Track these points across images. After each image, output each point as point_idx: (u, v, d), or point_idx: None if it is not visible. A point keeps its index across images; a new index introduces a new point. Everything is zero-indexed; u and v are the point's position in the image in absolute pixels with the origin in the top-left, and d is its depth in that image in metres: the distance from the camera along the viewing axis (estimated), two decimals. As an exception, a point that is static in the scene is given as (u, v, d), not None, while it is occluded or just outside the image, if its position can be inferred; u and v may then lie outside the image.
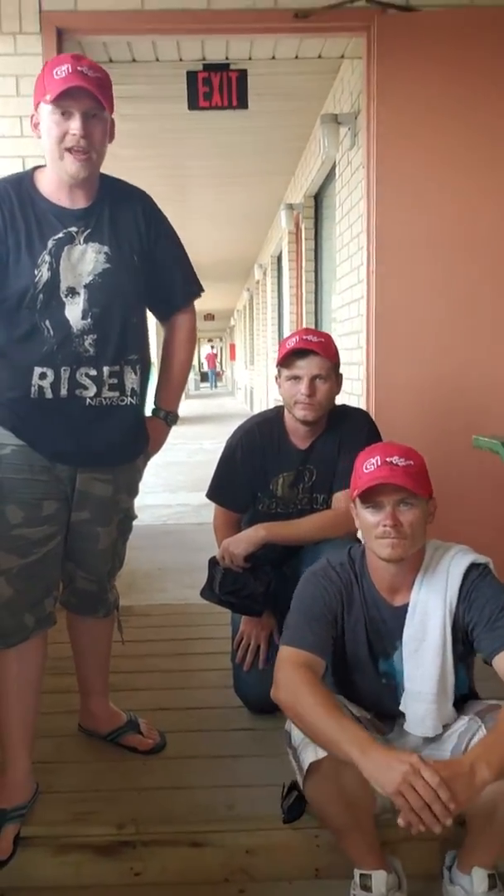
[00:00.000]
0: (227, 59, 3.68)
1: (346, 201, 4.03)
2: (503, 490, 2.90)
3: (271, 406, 2.53)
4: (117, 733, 2.18)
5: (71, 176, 1.75)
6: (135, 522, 2.09)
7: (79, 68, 1.68)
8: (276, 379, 2.34)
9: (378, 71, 3.00)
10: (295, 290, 6.87)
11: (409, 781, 1.33)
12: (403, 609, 1.71)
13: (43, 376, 1.78)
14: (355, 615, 1.73)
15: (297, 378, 2.22)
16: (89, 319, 1.78)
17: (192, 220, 8.15)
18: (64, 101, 1.69)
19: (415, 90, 2.98)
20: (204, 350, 33.22)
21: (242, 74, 3.90)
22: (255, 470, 2.34)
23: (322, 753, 1.53)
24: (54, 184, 1.79)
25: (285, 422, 2.34)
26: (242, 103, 3.96)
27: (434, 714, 1.68)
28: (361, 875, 1.65)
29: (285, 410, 2.34)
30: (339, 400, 2.36)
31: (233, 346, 25.63)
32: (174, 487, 7.05)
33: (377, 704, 1.69)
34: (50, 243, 1.76)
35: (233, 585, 2.25)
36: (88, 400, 1.81)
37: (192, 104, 3.96)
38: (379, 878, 1.63)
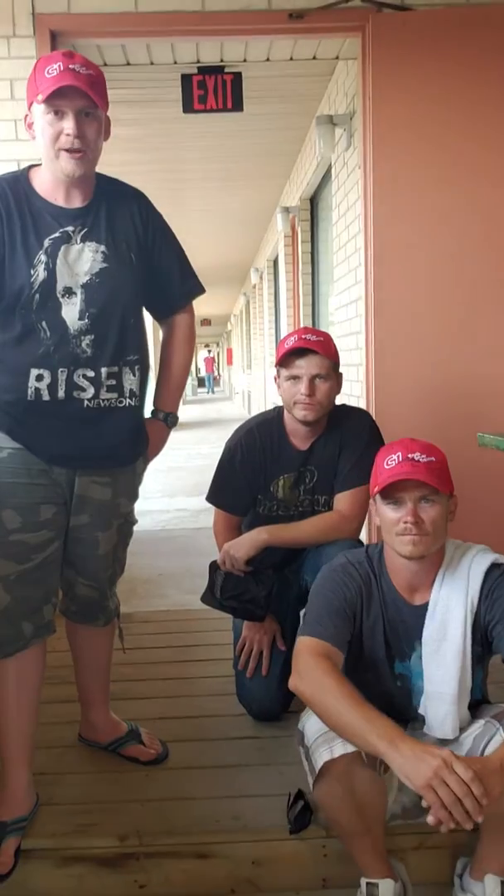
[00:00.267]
0: (221, 61, 3.67)
1: (343, 203, 4.01)
2: (508, 488, 2.88)
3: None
4: (118, 744, 2.14)
5: (66, 175, 1.72)
6: (134, 528, 2.06)
7: (70, 66, 1.65)
8: (276, 379, 2.31)
9: (374, 70, 2.98)
10: (292, 293, 6.86)
11: (441, 776, 1.30)
12: (423, 608, 1.69)
13: (40, 378, 1.74)
14: (374, 614, 1.70)
15: (296, 378, 2.19)
16: (87, 320, 1.75)
17: (187, 224, 8.13)
18: (56, 100, 1.66)
19: (411, 89, 2.96)
20: (201, 355, 33.21)
21: (237, 77, 3.90)
22: (255, 472, 2.30)
23: (337, 753, 1.49)
24: (50, 183, 1.76)
25: (285, 423, 2.31)
26: (237, 106, 3.95)
27: (454, 715, 1.65)
28: (368, 884, 1.61)
29: (285, 411, 2.31)
30: (339, 401, 2.33)
31: (230, 351, 25.61)
32: (172, 492, 7.02)
33: (389, 707, 1.65)
34: (46, 242, 1.73)
35: (234, 590, 2.22)
36: (86, 402, 1.78)
37: (187, 107, 3.95)
38: (386, 887, 1.60)
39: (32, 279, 1.70)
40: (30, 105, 1.72)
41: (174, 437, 2.08)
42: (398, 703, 1.71)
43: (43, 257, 1.72)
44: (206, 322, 23.30)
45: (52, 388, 1.75)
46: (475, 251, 3.01)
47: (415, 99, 2.96)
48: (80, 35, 3.07)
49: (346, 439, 2.27)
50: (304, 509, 2.32)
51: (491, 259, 3.02)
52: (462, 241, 3.01)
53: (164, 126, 4.92)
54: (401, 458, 1.63)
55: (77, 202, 1.78)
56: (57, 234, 1.74)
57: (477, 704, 1.72)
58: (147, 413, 1.99)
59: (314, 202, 5.87)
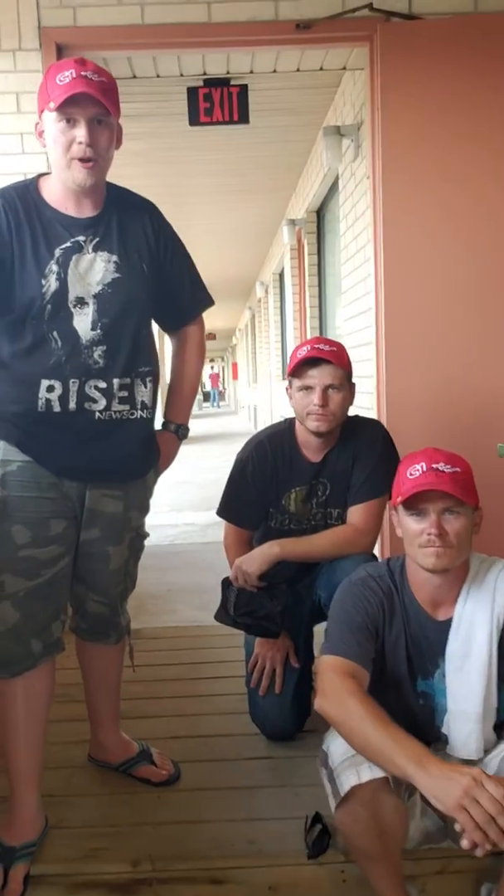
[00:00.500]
0: (228, 73, 3.66)
1: (351, 213, 3.99)
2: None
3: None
4: (129, 764, 2.09)
5: (78, 184, 1.69)
6: (145, 542, 2.02)
7: (83, 73, 1.62)
8: (287, 390, 2.27)
9: (382, 80, 2.96)
10: (298, 305, 6.84)
11: (473, 794, 1.24)
12: (447, 624, 1.63)
13: (50, 389, 1.71)
14: (396, 629, 1.65)
15: (309, 388, 2.15)
16: (99, 330, 1.72)
17: (192, 238, 8.08)
18: (68, 108, 1.63)
19: (419, 98, 2.94)
20: (205, 370, 33.18)
21: (243, 89, 3.89)
22: (267, 485, 2.26)
23: (364, 778, 1.44)
24: (60, 192, 1.73)
25: (297, 434, 2.27)
26: (243, 118, 3.94)
27: (478, 735, 1.60)
28: None
29: (296, 423, 2.27)
30: (349, 413, 2.29)
31: (235, 366, 25.64)
32: (180, 507, 6.97)
33: (412, 726, 1.60)
34: (57, 252, 1.70)
35: (248, 606, 2.17)
36: (98, 413, 1.74)
37: (193, 120, 3.94)
38: None
39: (44, 290, 1.67)
40: (41, 112, 1.69)
41: (180, 450, 2.04)
42: (421, 722, 1.66)
43: (54, 267, 1.69)
44: (210, 336, 23.33)
45: (64, 399, 1.71)
46: (488, 259, 2.97)
47: (424, 107, 2.94)
48: (87, 48, 3.06)
49: (360, 451, 2.23)
50: (317, 523, 2.28)
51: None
52: (475, 250, 2.97)
53: (168, 140, 4.92)
54: (424, 468, 1.58)
55: (88, 211, 1.75)
56: (68, 244, 1.71)
57: (502, 725, 1.67)
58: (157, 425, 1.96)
59: (320, 214, 5.86)
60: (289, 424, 2.32)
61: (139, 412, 1.80)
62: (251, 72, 3.62)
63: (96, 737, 2.14)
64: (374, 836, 1.48)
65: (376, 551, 2.46)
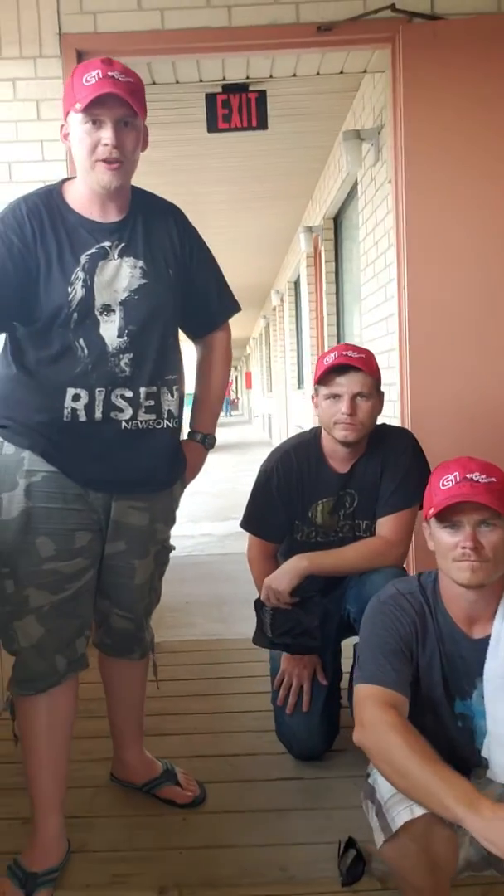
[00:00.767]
0: (247, 77, 3.62)
1: (371, 219, 3.93)
2: None
3: (291, 432, 2.39)
4: (153, 784, 2.03)
5: (103, 187, 1.64)
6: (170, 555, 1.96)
7: (109, 73, 1.58)
8: (313, 399, 2.21)
9: (405, 81, 2.91)
10: (315, 313, 6.79)
11: None
12: (484, 642, 1.55)
13: (76, 398, 1.66)
14: (430, 649, 1.57)
15: (336, 396, 2.09)
16: (125, 337, 1.67)
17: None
18: (95, 109, 1.58)
19: (443, 99, 2.88)
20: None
21: (262, 95, 3.86)
22: (292, 496, 2.20)
23: (418, 812, 1.36)
24: (85, 196, 1.69)
25: (323, 444, 2.21)
26: (262, 124, 3.91)
27: None
28: None
29: (323, 432, 2.20)
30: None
31: (248, 375, 25.62)
32: (196, 518, 6.92)
33: (452, 751, 1.52)
34: (83, 259, 1.65)
35: (285, 625, 2.09)
36: (124, 423, 1.69)
37: (212, 126, 3.91)
38: None
39: (70, 297, 1.63)
40: (66, 114, 1.65)
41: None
42: (460, 746, 1.58)
43: (80, 274, 1.64)
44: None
45: (90, 408, 1.66)
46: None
47: (448, 109, 2.88)
48: (107, 54, 2.99)
49: (388, 460, 2.17)
50: (345, 535, 2.21)
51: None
52: (501, 253, 2.91)
53: (185, 148, 4.89)
54: (458, 479, 1.51)
55: (113, 216, 1.70)
56: (94, 250, 1.66)
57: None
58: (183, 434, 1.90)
59: (338, 221, 5.82)
60: (314, 434, 2.25)
61: (165, 421, 1.75)
62: (271, 76, 3.57)
63: (119, 755, 2.08)
64: (426, 870, 1.40)
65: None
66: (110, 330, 1.66)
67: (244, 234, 7.96)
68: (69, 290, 1.63)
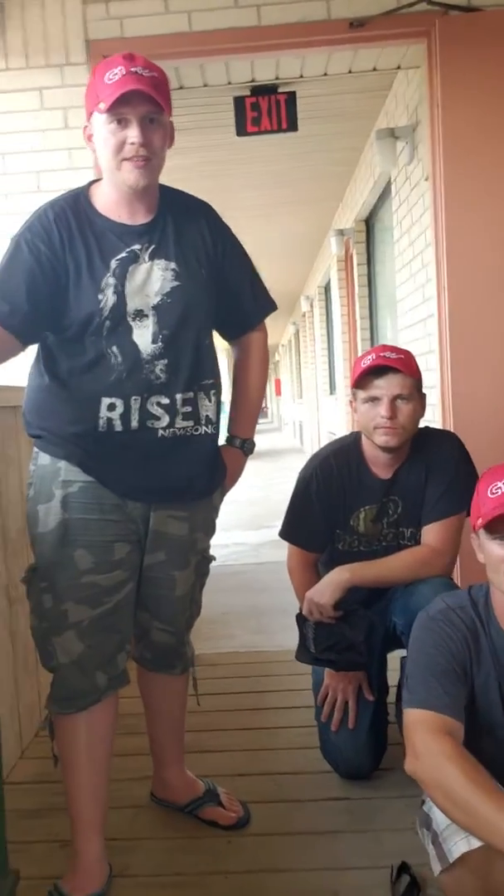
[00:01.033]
0: (277, 78, 3.57)
1: (406, 218, 3.85)
2: None
3: (323, 439, 2.31)
4: (195, 805, 1.95)
5: (130, 186, 1.58)
6: (210, 565, 1.90)
7: (132, 69, 1.51)
8: (351, 403, 2.13)
9: (442, 76, 2.84)
10: (347, 318, 6.71)
11: None
12: None
13: (112, 407, 1.60)
14: (485, 668, 1.47)
15: (375, 399, 2.00)
16: (160, 343, 1.61)
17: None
18: (120, 107, 1.51)
19: (482, 93, 2.81)
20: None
21: (291, 97, 3.81)
22: (333, 504, 2.12)
23: (476, 844, 1.27)
24: (112, 199, 1.63)
25: (364, 449, 2.12)
26: (292, 126, 3.86)
27: None
28: None
29: (363, 437, 2.12)
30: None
31: (278, 382, 25.53)
32: (228, 526, 6.84)
33: None
34: (113, 264, 1.59)
35: (329, 640, 2.01)
36: (161, 431, 1.63)
37: (241, 130, 3.87)
38: None
39: (101, 305, 1.57)
40: (89, 115, 1.58)
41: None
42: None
43: (111, 280, 1.58)
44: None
45: (125, 417, 1.60)
46: None
47: (487, 103, 2.81)
48: (134, 59, 2.99)
49: (433, 465, 2.08)
50: (389, 544, 2.13)
51: None
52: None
53: (213, 154, 4.86)
54: None
55: (141, 217, 1.64)
56: (124, 255, 1.60)
57: None
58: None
59: (369, 223, 5.74)
60: (354, 439, 2.17)
61: (203, 427, 1.69)
62: (301, 76, 3.51)
63: (159, 774, 2.02)
64: None
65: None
66: (144, 336, 1.60)
67: (273, 240, 7.90)
68: (100, 297, 1.57)
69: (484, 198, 2.83)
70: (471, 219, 2.84)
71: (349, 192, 6.01)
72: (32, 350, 1.68)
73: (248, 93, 3.78)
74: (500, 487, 1.42)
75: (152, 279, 1.61)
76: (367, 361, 2.03)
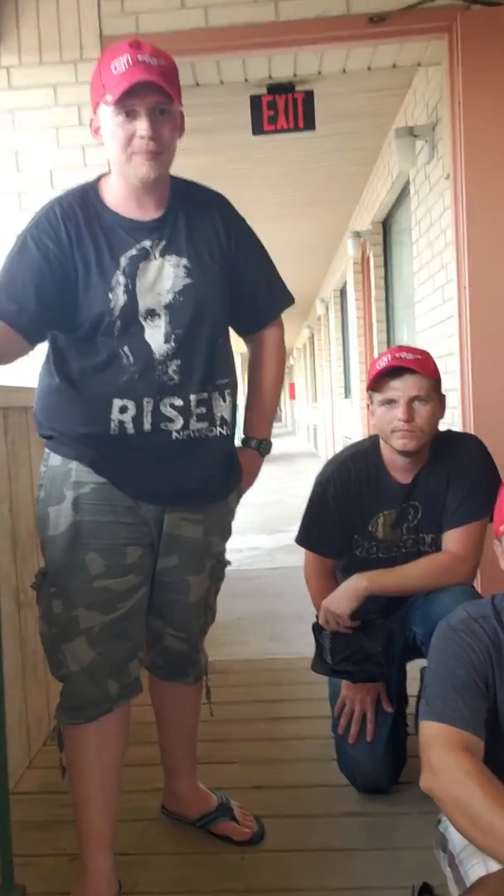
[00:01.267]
0: (295, 75, 3.51)
1: (425, 218, 3.79)
2: None
3: (338, 443, 2.25)
4: (208, 819, 1.89)
5: (140, 180, 1.51)
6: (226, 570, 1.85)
7: (140, 58, 1.43)
8: (368, 406, 2.07)
9: (464, 72, 2.78)
10: (363, 320, 6.65)
11: None
12: None
13: (123, 409, 1.55)
14: None
15: (392, 401, 1.94)
16: (172, 343, 1.55)
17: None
18: (128, 99, 1.44)
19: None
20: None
21: (309, 95, 3.75)
22: (351, 509, 2.06)
23: (493, 866, 1.21)
24: (122, 193, 1.57)
25: (383, 453, 2.06)
26: (309, 125, 3.80)
27: None
28: None
29: (381, 441, 2.06)
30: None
31: (292, 386, 25.47)
32: (242, 530, 6.79)
33: None
34: (123, 261, 1.54)
35: (346, 650, 1.94)
36: (175, 433, 1.57)
37: (257, 129, 3.82)
38: None
39: (112, 304, 1.51)
40: (95, 107, 1.51)
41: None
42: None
43: (121, 278, 1.52)
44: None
45: (138, 420, 1.55)
46: None
47: (509, 99, 2.74)
48: (149, 55, 2.95)
49: (454, 469, 2.01)
50: (409, 550, 2.06)
51: None
52: None
53: (226, 154, 4.82)
54: None
55: (152, 212, 1.58)
56: (134, 251, 1.54)
57: None
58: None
59: (387, 225, 5.68)
60: (373, 442, 2.11)
61: (218, 429, 1.63)
62: (319, 73, 3.46)
63: (171, 787, 1.96)
64: None
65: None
66: (156, 336, 1.55)
67: (288, 243, 7.84)
68: (110, 296, 1.52)
69: (506, 196, 2.76)
70: (492, 217, 2.78)
71: (366, 194, 5.95)
72: (43, 350, 1.63)
73: (265, 91, 3.73)
74: None
75: (164, 277, 1.55)
76: (382, 362, 1.97)
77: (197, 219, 1.62)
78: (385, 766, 1.99)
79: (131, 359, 1.54)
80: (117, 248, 1.54)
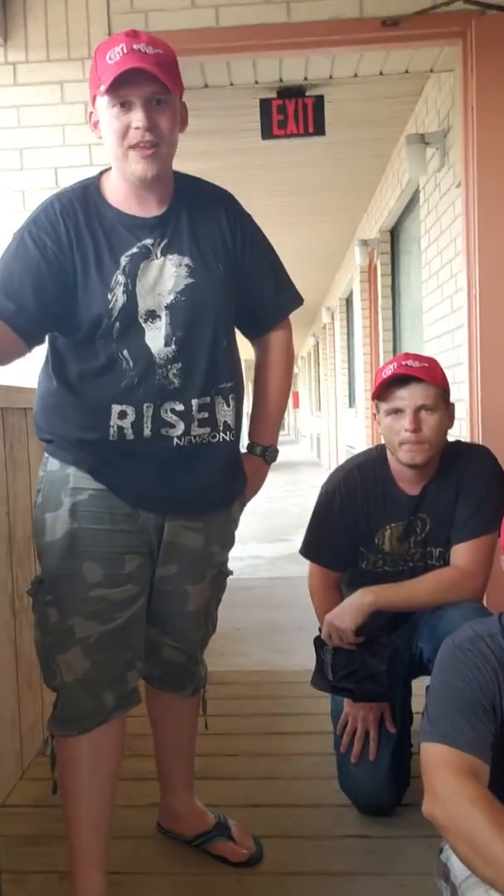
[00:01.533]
0: (305, 79, 3.47)
1: (435, 227, 3.74)
2: None
3: (341, 452, 2.19)
4: (204, 839, 1.83)
5: (138, 178, 1.45)
6: (227, 580, 1.79)
7: (135, 47, 1.38)
8: (374, 416, 2.01)
9: (477, 78, 2.74)
10: (369, 329, 6.60)
11: None
12: None
13: (122, 415, 1.49)
14: None
15: (398, 411, 1.88)
16: (173, 346, 1.49)
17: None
18: (121, 89, 1.38)
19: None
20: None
21: (319, 100, 3.72)
22: (357, 520, 2.00)
23: None
24: (122, 189, 1.51)
25: (390, 463, 2.00)
26: (319, 130, 3.77)
27: None
28: None
29: (388, 452, 2.00)
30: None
31: (296, 394, 25.43)
32: (244, 538, 6.73)
33: None
34: (123, 261, 1.48)
35: (348, 667, 1.88)
36: (176, 439, 1.52)
37: (266, 133, 3.79)
38: None
39: (111, 305, 1.46)
40: (93, 99, 1.45)
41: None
42: None
43: (121, 278, 1.46)
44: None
45: (137, 425, 1.49)
46: None
47: (524, 107, 2.69)
48: (159, 55, 2.91)
49: (464, 481, 1.96)
50: (416, 564, 2.00)
51: None
52: None
53: (233, 159, 4.79)
54: None
55: (153, 209, 1.52)
56: (134, 250, 1.48)
57: None
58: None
59: (395, 234, 5.64)
60: (380, 452, 2.05)
61: (221, 435, 1.57)
62: (330, 77, 3.41)
63: (167, 802, 1.89)
64: None
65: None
66: (156, 338, 1.49)
67: (294, 250, 7.81)
68: (109, 297, 1.46)
69: (519, 203, 2.72)
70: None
71: (374, 202, 5.92)
72: (42, 353, 1.58)
73: (275, 95, 3.69)
74: None
75: (165, 276, 1.49)
76: (388, 371, 1.91)
77: (201, 216, 1.56)
78: (388, 787, 1.92)
79: (131, 363, 1.48)
80: (118, 247, 1.48)
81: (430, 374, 1.88)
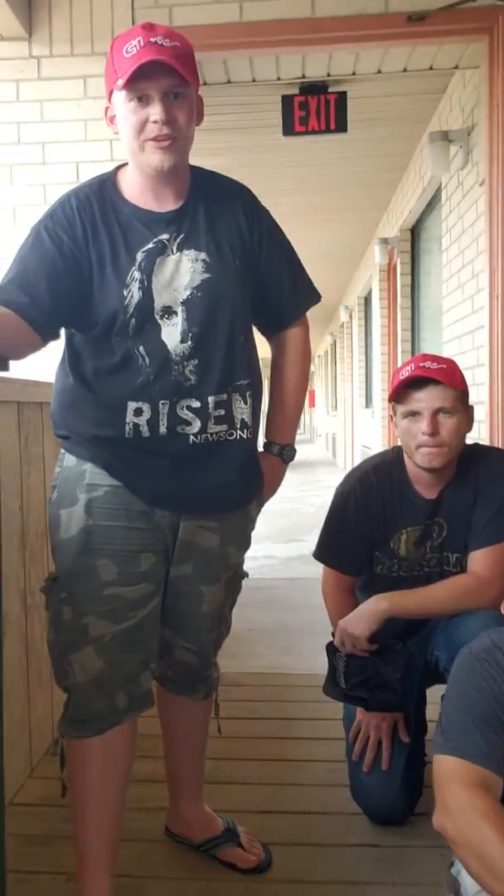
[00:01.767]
0: (328, 75, 3.43)
1: (457, 226, 3.69)
2: None
3: (357, 453, 2.16)
4: (212, 844, 1.80)
5: (154, 169, 1.43)
6: (243, 582, 1.77)
7: (152, 39, 1.35)
8: (391, 419, 1.97)
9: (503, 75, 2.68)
10: (387, 329, 6.55)
11: None
12: None
13: (138, 412, 1.47)
14: None
15: (415, 414, 1.85)
16: (189, 342, 1.47)
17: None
18: (139, 83, 1.36)
19: (547, 93, 2.65)
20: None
21: (341, 97, 3.68)
22: (373, 523, 1.97)
23: None
24: (138, 183, 1.48)
25: (407, 465, 1.97)
26: (341, 127, 3.73)
27: None
28: None
29: (405, 455, 1.97)
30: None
31: (312, 394, 25.36)
32: (258, 538, 6.58)
33: None
34: (139, 256, 1.46)
35: (361, 675, 1.85)
36: (192, 437, 1.50)
37: (288, 129, 3.75)
38: None
39: (126, 302, 1.44)
40: (109, 94, 1.44)
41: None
42: None
43: (136, 274, 1.44)
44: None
45: (153, 423, 1.47)
46: None
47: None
48: (182, 50, 2.89)
49: (483, 486, 1.92)
50: (431, 570, 1.97)
51: None
52: None
53: (253, 156, 4.76)
54: None
55: (170, 203, 1.49)
56: (150, 245, 1.46)
57: None
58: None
59: (415, 233, 5.59)
60: (396, 454, 2.02)
61: (238, 432, 1.54)
62: (354, 73, 3.37)
63: (175, 806, 1.87)
64: None
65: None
66: (173, 335, 1.47)
67: (313, 247, 7.75)
68: (124, 293, 1.44)
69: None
70: (530, 225, 2.69)
71: (395, 200, 5.86)
72: (59, 349, 1.56)
73: (297, 91, 3.66)
74: None
75: (181, 272, 1.47)
76: (405, 372, 1.87)
77: (218, 211, 1.54)
78: (400, 797, 1.89)
79: (147, 360, 1.46)
80: (134, 242, 1.46)
81: (448, 376, 1.85)
